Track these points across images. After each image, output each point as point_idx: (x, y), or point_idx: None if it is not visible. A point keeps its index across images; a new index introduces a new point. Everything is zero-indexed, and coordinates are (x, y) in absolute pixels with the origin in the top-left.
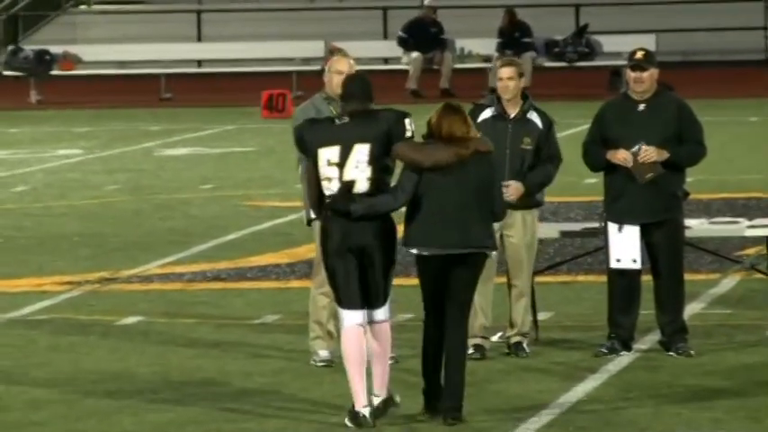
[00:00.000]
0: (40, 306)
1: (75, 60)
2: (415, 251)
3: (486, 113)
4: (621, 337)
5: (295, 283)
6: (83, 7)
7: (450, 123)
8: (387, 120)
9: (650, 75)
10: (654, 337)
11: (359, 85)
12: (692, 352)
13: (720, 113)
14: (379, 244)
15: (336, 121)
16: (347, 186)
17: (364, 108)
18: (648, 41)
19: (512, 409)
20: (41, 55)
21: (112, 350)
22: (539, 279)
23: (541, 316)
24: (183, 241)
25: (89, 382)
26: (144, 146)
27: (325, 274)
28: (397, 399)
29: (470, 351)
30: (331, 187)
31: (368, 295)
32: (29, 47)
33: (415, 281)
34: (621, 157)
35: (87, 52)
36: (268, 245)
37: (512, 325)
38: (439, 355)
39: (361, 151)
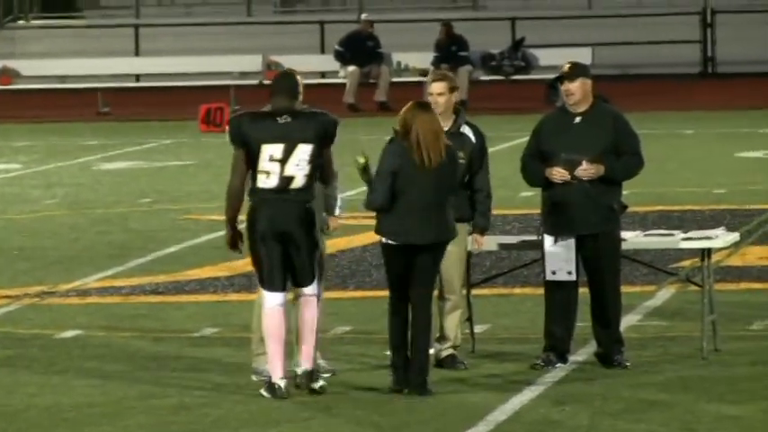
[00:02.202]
0: None
1: (13, 74)
2: (384, 240)
3: None
4: (557, 349)
5: (234, 297)
6: (21, 22)
7: (425, 133)
8: (324, 123)
9: (580, 85)
10: (590, 348)
11: (287, 81)
12: (627, 364)
13: (657, 126)
14: (302, 229)
15: (279, 119)
16: None
17: (292, 105)
18: (585, 55)
19: (448, 421)
20: None
21: (51, 363)
22: (475, 292)
23: (478, 328)
24: (121, 255)
25: (27, 395)
26: (82, 160)
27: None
28: (322, 383)
29: None
30: (268, 182)
31: (296, 276)
32: None
33: (352, 293)
34: (559, 176)
35: (25, 66)
36: (206, 258)
37: (444, 339)
38: (405, 332)
39: (304, 150)
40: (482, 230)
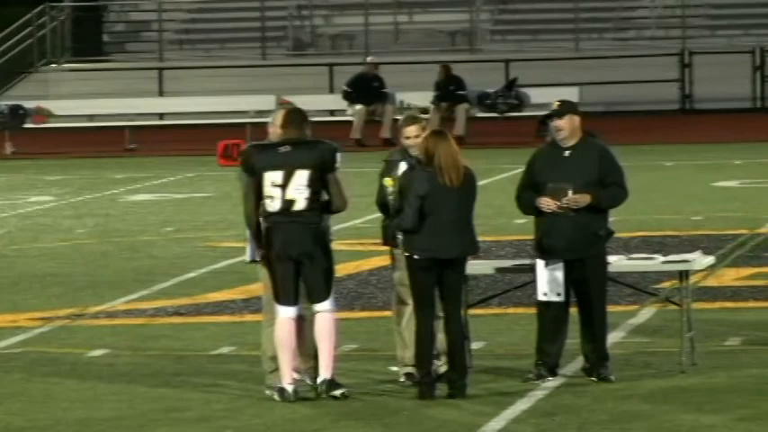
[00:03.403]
0: (15, 340)
1: (46, 114)
2: (416, 256)
3: (403, 166)
4: (548, 364)
5: (249, 317)
6: (54, 66)
7: (445, 156)
8: (322, 151)
9: (568, 121)
10: (578, 364)
11: (296, 116)
12: (612, 377)
13: (639, 158)
14: (313, 249)
15: (280, 148)
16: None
17: (301, 136)
18: (572, 93)
19: (448, 430)
20: (16, 109)
21: (81, 380)
22: (472, 311)
23: (474, 345)
24: (146, 280)
25: (60, 410)
26: (110, 192)
27: (274, 309)
28: (343, 390)
29: (402, 379)
30: (273, 205)
31: (310, 293)
32: (4, 102)
33: (358, 314)
34: (546, 204)
35: (58, 107)
36: (224, 282)
37: (440, 356)
38: (432, 344)
39: (302, 176)
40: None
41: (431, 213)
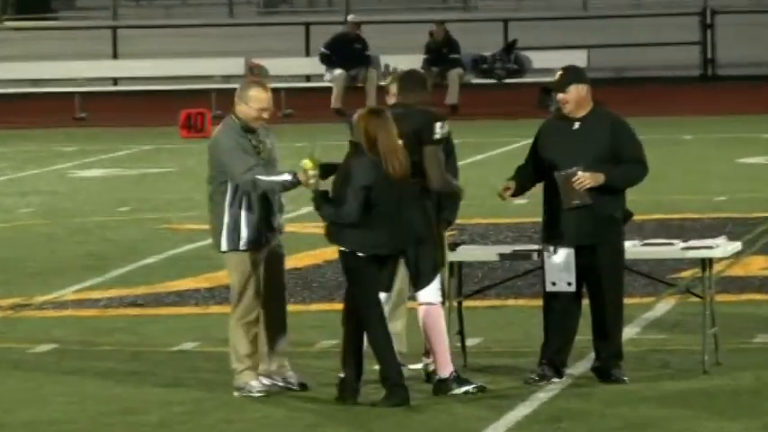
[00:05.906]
0: None
1: None
2: (360, 253)
3: None
4: (553, 363)
5: (214, 309)
6: None
7: (388, 144)
8: (419, 119)
9: (574, 92)
10: (587, 362)
11: (407, 80)
12: (625, 378)
13: (654, 131)
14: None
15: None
16: None
17: (414, 101)
18: (580, 57)
19: None
20: None
21: (26, 379)
22: (467, 304)
23: (469, 342)
24: (99, 266)
25: (2, 411)
26: (58, 167)
27: (247, 302)
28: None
29: None
30: None
31: (417, 277)
32: None
33: (339, 305)
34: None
35: None
36: (187, 269)
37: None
38: (391, 345)
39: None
40: (448, 224)
41: (374, 205)
